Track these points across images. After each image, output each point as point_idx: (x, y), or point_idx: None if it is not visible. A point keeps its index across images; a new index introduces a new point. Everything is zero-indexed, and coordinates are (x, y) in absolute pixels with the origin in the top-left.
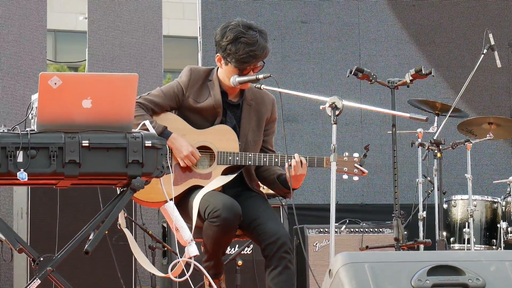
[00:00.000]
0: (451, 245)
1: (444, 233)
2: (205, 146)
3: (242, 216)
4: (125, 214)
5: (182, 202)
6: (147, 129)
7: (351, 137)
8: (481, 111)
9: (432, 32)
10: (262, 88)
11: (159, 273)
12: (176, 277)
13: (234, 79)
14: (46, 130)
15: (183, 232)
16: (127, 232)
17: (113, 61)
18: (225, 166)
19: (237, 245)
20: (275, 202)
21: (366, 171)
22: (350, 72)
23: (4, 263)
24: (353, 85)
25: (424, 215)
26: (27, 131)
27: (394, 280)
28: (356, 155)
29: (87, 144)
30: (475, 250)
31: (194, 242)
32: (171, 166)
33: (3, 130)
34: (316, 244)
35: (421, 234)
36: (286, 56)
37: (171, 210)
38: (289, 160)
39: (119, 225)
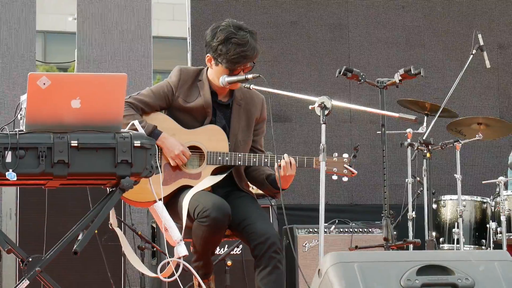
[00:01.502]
0: (441, 245)
1: (434, 233)
2: (195, 146)
3: (232, 216)
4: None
5: (172, 202)
6: (136, 129)
7: (340, 137)
8: (470, 111)
9: (421, 32)
10: (251, 88)
11: (150, 273)
12: (165, 278)
13: (223, 79)
14: (34, 130)
15: (172, 232)
16: (118, 231)
17: (102, 62)
18: (215, 166)
19: (226, 245)
20: (265, 202)
21: (355, 171)
22: (339, 72)
23: None
24: (343, 85)
25: (414, 215)
26: (16, 131)
27: (383, 280)
28: (345, 155)
29: (76, 144)
30: (464, 250)
31: (183, 242)
32: (160, 166)
33: None
34: (306, 244)
35: (410, 234)
36: (275, 56)
37: (160, 210)
38: (279, 161)
39: (111, 224)
